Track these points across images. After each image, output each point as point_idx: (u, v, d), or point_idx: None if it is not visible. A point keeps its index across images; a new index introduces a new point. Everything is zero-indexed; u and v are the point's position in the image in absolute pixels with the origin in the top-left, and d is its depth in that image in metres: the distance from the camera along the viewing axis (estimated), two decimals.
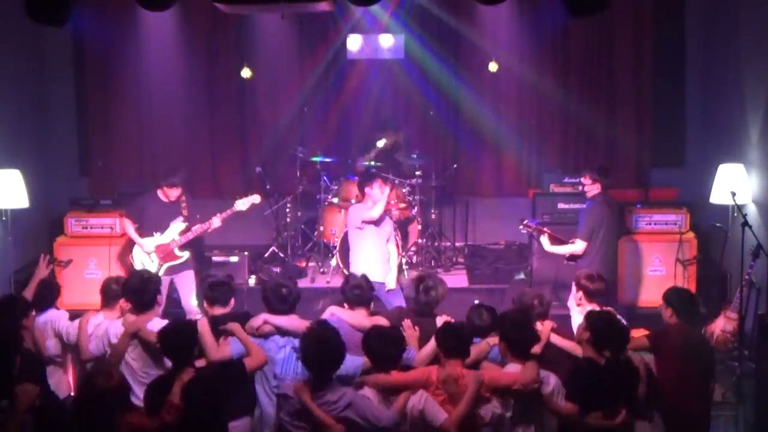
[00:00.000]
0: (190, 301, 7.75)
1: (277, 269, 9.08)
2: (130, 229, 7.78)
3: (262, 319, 5.52)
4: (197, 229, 7.67)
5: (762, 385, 6.31)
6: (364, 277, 6.13)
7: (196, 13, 9.83)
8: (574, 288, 6.37)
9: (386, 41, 10.21)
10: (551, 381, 5.12)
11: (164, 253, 7.68)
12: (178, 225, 7.71)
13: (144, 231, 7.74)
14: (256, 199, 7.85)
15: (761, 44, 7.96)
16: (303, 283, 9.01)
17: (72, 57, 10.33)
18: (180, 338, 4.98)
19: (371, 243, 7.59)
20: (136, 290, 5.81)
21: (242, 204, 7.77)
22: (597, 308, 5.95)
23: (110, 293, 6.05)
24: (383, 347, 5.04)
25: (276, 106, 10.36)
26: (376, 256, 7.56)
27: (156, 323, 5.62)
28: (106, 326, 5.82)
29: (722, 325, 7.46)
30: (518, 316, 5.34)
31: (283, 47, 10.17)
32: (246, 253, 8.94)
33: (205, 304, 5.95)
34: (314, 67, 10.28)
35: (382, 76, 10.32)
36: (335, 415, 4.76)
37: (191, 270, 7.84)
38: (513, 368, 5.10)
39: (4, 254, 8.37)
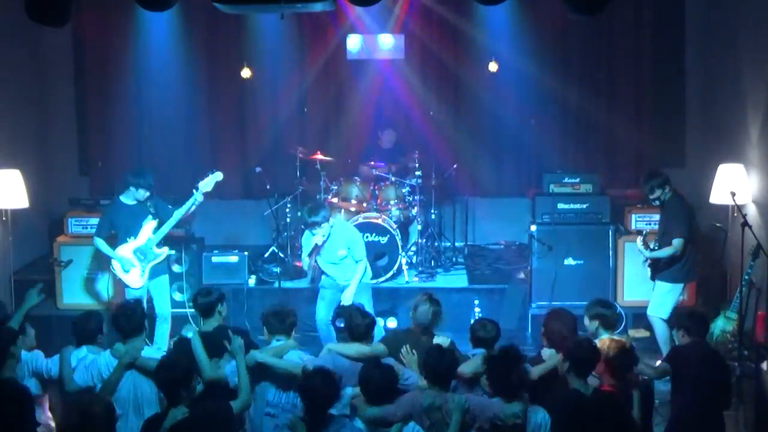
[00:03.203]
0: (164, 308, 7.70)
1: (277, 269, 9.07)
2: (104, 247, 7.64)
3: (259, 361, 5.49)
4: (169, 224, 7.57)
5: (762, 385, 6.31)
6: (360, 311, 6.01)
7: (196, 13, 9.82)
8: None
9: (386, 41, 10.20)
10: (536, 417, 4.97)
11: (143, 254, 7.57)
12: (149, 224, 7.58)
13: (119, 239, 7.63)
14: (218, 176, 7.56)
15: (761, 44, 7.95)
16: (303, 283, 9.01)
17: (72, 57, 10.33)
18: (177, 374, 4.90)
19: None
20: (120, 317, 5.70)
21: (206, 185, 7.49)
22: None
23: (87, 331, 5.76)
24: (378, 382, 5.00)
25: (276, 106, 10.36)
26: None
27: (149, 351, 5.60)
28: (93, 358, 5.62)
29: (722, 325, 7.46)
30: (507, 356, 5.05)
31: (283, 47, 10.15)
32: (246, 253, 8.93)
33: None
34: (314, 68, 10.27)
35: (382, 76, 10.30)
36: None
37: (166, 275, 7.79)
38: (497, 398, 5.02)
39: (4, 254, 8.38)
